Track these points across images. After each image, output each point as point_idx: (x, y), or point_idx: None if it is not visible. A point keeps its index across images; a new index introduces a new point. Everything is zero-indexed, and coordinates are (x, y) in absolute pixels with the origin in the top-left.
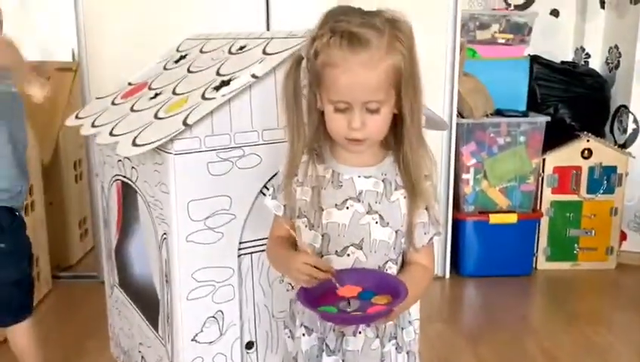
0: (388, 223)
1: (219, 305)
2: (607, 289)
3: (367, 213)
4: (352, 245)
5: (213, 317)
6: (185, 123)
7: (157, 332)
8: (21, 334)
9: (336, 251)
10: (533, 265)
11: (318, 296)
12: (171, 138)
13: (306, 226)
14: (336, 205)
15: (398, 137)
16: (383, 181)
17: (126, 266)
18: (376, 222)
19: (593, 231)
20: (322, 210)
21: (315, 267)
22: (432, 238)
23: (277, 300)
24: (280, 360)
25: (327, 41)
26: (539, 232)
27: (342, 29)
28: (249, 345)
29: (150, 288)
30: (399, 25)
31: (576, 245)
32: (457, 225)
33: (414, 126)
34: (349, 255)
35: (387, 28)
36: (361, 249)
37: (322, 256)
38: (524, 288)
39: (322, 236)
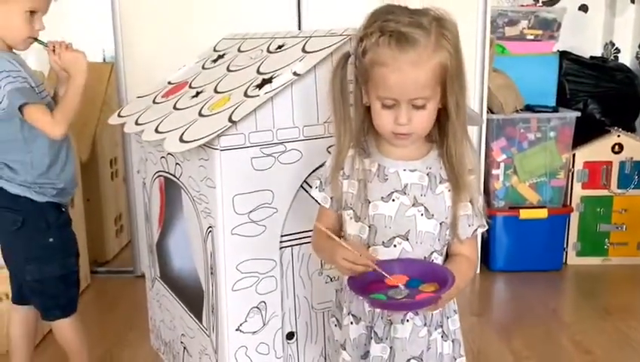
0: (433, 215)
1: (262, 296)
2: (638, 284)
3: (413, 205)
4: (398, 236)
5: (257, 307)
6: (230, 120)
7: (201, 323)
8: (67, 328)
9: (383, 242)
10: (564, 260)
11: (367, 284)
12: (218, 134)
13: (351, 218)
14: (382, 198)
15: (442, 131)
16: (427, 175)
17: (167, 260)
18: (422, 214)
19: (624, 226)
20: (369, 202)
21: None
22: (476, 230)
23: (316, 292)
24: (319, 351)
25: (376, 40)
26: (569, 227)
27: (391, 29)
28: (290, 336)
29: (194, 280)
30: (445, 23)
31: (606, 240)
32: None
33: (459, 121)
34: (395, 246)
35: (434, 27)
36: (407, 240)
37: (369, 246)
38: (555, 283)
39: (369, 227)
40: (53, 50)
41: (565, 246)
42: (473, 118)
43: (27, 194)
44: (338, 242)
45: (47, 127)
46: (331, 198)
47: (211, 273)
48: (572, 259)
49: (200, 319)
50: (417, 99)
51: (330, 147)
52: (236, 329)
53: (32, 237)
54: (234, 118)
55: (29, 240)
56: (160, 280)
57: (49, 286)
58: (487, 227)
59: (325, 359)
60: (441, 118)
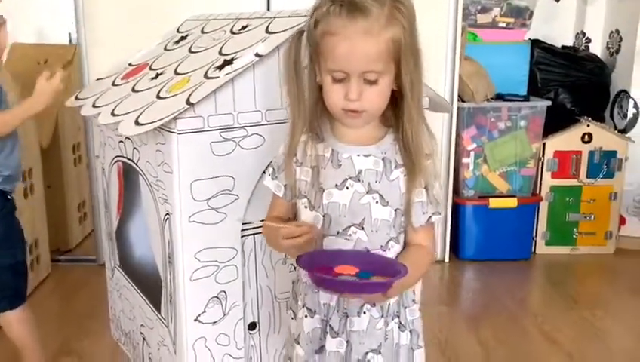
0: (388, 202)
1: (222, 285)
2: (605, 273)
3: (367, 192)
4: (353, 225)
5: (217, 297)
6: (188, 102)
7: (159, 313)
8: (16, 321)
9: (338, 231)
10: (532, 250)
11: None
12: (174, 117)
13: (306, 207)
14: (336, 185)
15: (398, 115)
16: (382, 160)
17: (127, 248)
18: (377, 202)
19: (592, 216)
20: (322, 190)
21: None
22: (430, 218)
23: (280, 281)
24: (283, 342)
25: (326, 9)
26: (538, 217)
27: (341, 2)
28: (252, 326)
29: (152, 269)
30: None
31: (575, 229)
32: (457, 210)
33: (414, 101)
34: (350, 235)
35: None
36: (363, 229)
37: (324, 236)
38: (523, 272)
39: (323, 216)
40: None
41: (534, 235)
42: (441, 104)
43: None
44: (276, 226)
45: None
46: (285, 186)
47: (169, 262)
48: (541, 248)
49: (158, 309)
50: (369, 73)
51: None
52: (195, 320)
53: None
54: (192, 100)
55: None
56: (119, 269)
57: None
58: (441, 214)
59: (287, 350)
60: (397, 100)
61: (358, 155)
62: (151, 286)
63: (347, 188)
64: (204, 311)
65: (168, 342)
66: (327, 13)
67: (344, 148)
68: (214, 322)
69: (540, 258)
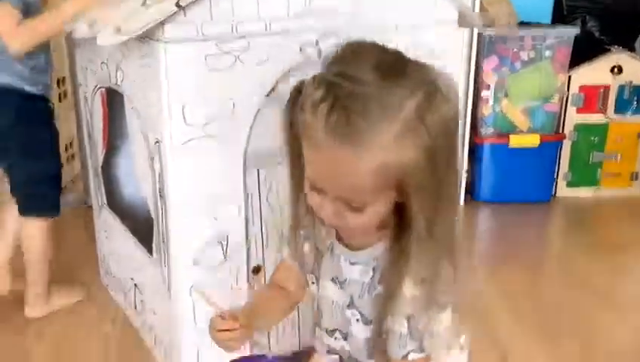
0: (371, 321)
1: (222, 223)
2: (631, 215)
3: (348, 306)
4: (338, 330)
5: (216, 236)
6: (178, 4)
7: (151, 255)
8: (43, 232)
9: (327, 329)
10: (553, 192)
11: None
12: (162, 22)
13: (313, 283)
14: (332, 279)
15: (400, 224)
16: (373, 269)
17: (114, 184)
18: (357, 319)
19: (618, 156)
20: (318, 280)
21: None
22: (408, 354)
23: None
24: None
25: (315, 102)
26: (560, 156)
27: (336, 102)
28: (256, 270)
29: (142, 206)
30: (434, 102)
31: (599, 170)
32: (474, 148)
33: (432, 240)
34: (336, 338)
35: (412, 108)
36: (346, 340)
37: (316, 326)
38: (545, 215)
39: (317, 308)
40: None
41: (555, 176)
42: (469, 17)
43: (22, 86)
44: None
45: (4, 35)
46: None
47: (160, 196)
48: (562, 190)
49: (150, 251)
50: (351, 200)
51: None
52: (192, 263)
53: (29, 131)
54: (182, 3)
55: (25, 133)
56: (107, 208)
57: (35, 182)
58: (424, 353)
59: None
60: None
61: (346, 261)
62: (141, 225)
63: (340, 288)
64: (203, 253)
65: (161, 287)
66: (313, 109)
67: (337, 245)
68: (213, 266)
69: (561, 200)
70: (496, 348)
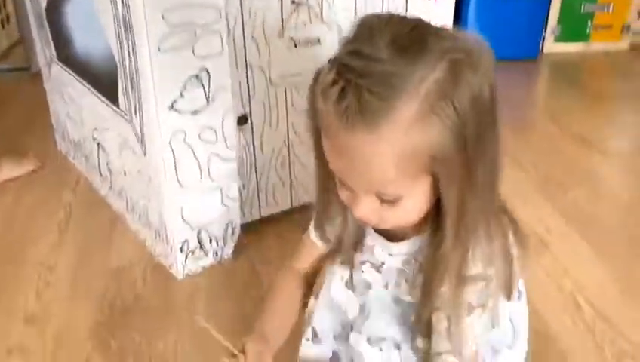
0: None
1: (203, 60)
2: (618, 69)
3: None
4: (390, 338)
5: (196, 76)
6: None
7: (117, 106)
8: None
9: (369, 338)
10: (540, 48)
11: None
12: None
13: (342, 278)
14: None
15: (439, 217)
16: (414, 260)
17: (64, 30)
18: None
19: (611, 6)
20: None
21: None
22: (441, 354)
23: (276, 61)
24: (282, 138)
25: (326, 87)
26: (549, 9)
27: (347, 84)
28: (242, 120)
29: (102, 50)
30: (460, 75)
31: (589, 22)
32: (460, 2)
33: (464, 222)
34: (381, 349)
35: (434, 83)
36: (399, 349)
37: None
38: (533, 72)
39: (361, 306)
40: None
41: (543, 31)
42: None
43: None
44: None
45: None
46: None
47: (125, 30)
48: (550, 45)
49: (115, 102)
50: (381, 193)
51: None
52: (170, 108)
53: None
54: None
55: None
56: (59, 63)
57: None
58: (458, 358)
59: (289, 148)
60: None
61: (383, 251)
62: (102, 73)
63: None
64: (181, 96)
65: (134, 142)
66: (324, 95)
67: (372, 235)
68: (196, 111)
69: (549, 57)
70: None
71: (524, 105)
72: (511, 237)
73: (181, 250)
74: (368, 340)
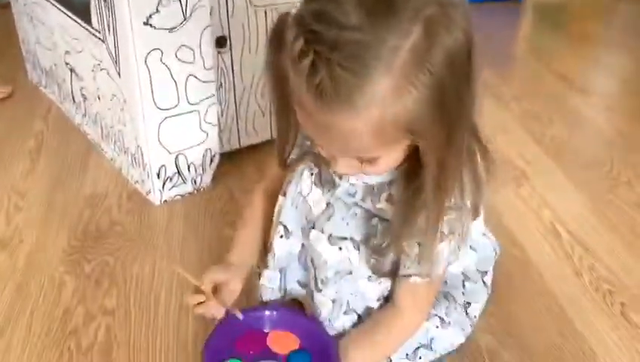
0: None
1: None
2: (601, 11)
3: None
4: (351, 239)
5: None
6: None
7: (90, 26)
8: None
9: (330, 236)
10: None
11: (240, 332)
12: None
13: (311, 174)
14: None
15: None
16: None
17: None
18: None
19: None
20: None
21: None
22: (409, 276)
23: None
24: (260, 64)
25: (295, 58)
26: None
27: (317, 57)
28: (221, 42)
29: None
30: (435, 37)
31: None
32: None
33: (444, 180)
34: (340, 248)
35: (408, 51)
36: (358, 250)
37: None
38: (516, 14)
39: (326, 203)
40: None
41: None
42: None
43: None
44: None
45: None
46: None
47: None
48: None
49: (88, 21)
50: (359, 157)
51: None
52: (145, 23)
53: None
54: None
55: None
56: None
57: None
58: (427, 279)
59: None
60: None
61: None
62: None
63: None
64: (157, 11)
65: (108, 63)
66: (294, 66)
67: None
68: (172, 28)
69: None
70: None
71: (508, 45)
72: (479, 162)
73: (158, 175)
74: (329, 238)
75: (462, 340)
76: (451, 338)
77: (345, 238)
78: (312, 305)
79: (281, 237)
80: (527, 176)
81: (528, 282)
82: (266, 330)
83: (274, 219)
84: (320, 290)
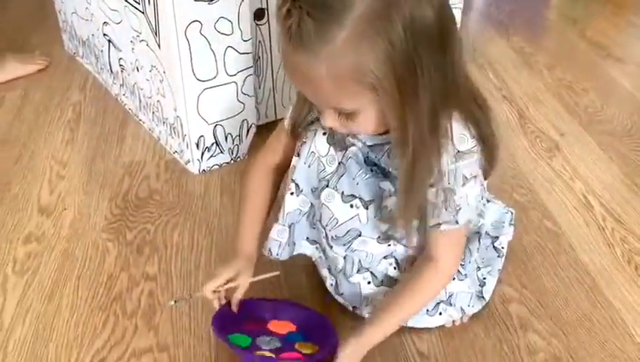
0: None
1: None
2: None
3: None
4: (359, 198)
5: None
6: None
7: None
8: None
9: (342, 194)
10: None
11: (244, 317)
12: None
13: (325, 133)
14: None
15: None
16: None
17: None
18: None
19: None
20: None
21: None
22: (439, 225)
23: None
24: None
25: (279, 5)
26: None
27: (292, 5)
28: (259, 14)
29: None
30: None
31: None
32: None
33: (415, 143)
34: (352, 206)
35: (366, 5)
36: (367, 209)
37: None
38: None
39: (339, 163)
40: None
41: None
42: None
43: None
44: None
45: None
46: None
47: None
48: None
49: None
50: (337, 108)
51: None
52: None
53: None
54: None
55: None
56: None
57: None
58: (455, 226)
59: None
60: None
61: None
62: None
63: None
64: None
65: (147, 34)
66: (277, 13)
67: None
68: (211, 0)
69: None
70: (514, 102)
71: (540, 12)
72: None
73: (197, 145)
74: (342, 195)
75: (478, 306)
76: (467, 298)
77: (355, 197)
78: (324, 261)
79: (292, 194)
80: (559, 148)
81: (560, 253)
82: (267, 318)
83: (288, 175)
84: (331, 247)
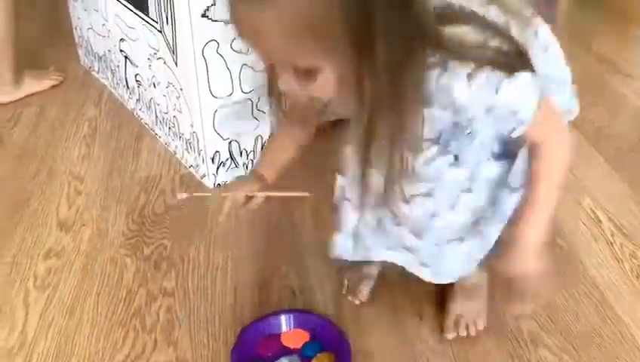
0: None
1: None
2: None
3: None
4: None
5: None
6: None
7: (147, 16)
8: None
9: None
10: None
11: (259, 341)
12: None
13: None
14: None
15: None
16: None
17: None
18: None
19: None
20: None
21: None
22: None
23: None
24: None
25: None
26: None
27: None
28: None
29: None
30: None
31: None
32: None
33: (377, 101)
34: None
35: None
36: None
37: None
38: None
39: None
40: None
41: None
42: None
43: None
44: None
45: None
46: None
47: None
48: None
49: (145, 10)
50: (293, 67)
51: None
52: (202, 16)
53: None
54: None
55: None
56: None
57: None
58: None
59: None
60: None
61: None
62: None
63: None
64: (214, 4)
65: (164, 52)
66: None
67: None
68: (228, 20)
69: None
70: None
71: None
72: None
73: (212, 160)
74: None
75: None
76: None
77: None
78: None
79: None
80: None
81: (569, 268)
82: (278, 332)
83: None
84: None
